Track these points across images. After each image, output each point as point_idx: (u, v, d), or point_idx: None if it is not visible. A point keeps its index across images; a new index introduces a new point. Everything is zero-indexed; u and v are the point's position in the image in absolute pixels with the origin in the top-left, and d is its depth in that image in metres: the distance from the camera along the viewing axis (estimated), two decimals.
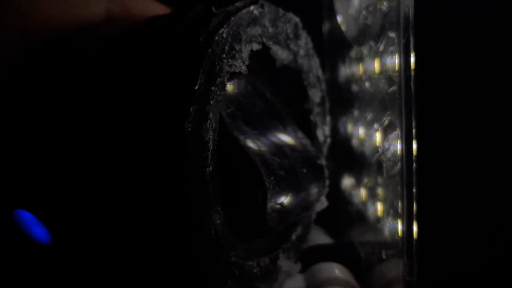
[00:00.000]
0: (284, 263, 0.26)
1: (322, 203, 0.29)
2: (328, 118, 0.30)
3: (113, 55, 0.23)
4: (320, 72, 0.29)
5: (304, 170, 0.25)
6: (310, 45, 0.28)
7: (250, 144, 0.23)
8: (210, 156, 0.20)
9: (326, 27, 0.35)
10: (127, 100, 0.21)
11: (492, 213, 0.23)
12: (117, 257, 0.23)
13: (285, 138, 0.26)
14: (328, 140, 0.30)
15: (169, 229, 0.21)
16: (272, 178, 0.23)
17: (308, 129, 0.29)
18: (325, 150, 0.30)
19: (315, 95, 0.29)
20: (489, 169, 0.23)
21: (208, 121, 0.20)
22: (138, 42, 0.23)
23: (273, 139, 0.25)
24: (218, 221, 0.21)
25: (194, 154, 0.20)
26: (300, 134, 0.27)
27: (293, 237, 0.28)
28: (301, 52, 0.27)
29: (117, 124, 0.21)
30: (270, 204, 0.22)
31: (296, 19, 0.26)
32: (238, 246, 0.23)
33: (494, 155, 0.23)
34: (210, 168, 0.21)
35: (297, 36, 0.26)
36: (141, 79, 0.21)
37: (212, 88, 0.20)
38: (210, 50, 0.20)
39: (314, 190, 0.26)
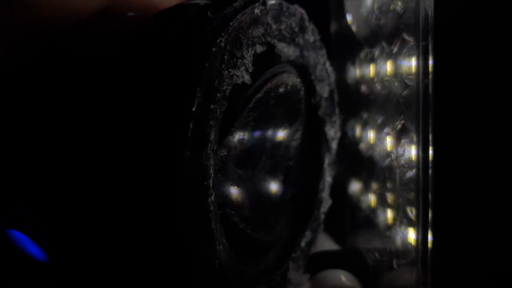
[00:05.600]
0: (293, 276, 0.25)
1: (326, 201, 0.28)
2: (337, 110, 0.28)
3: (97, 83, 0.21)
4: (328, 64, 0.27)
5: (264, 174, 0.25)
6: (317, 37, 0.25)
7: (232, 143, 0.22)
8: (211, 184, 0.18)
9: (334, 27, 0.34)
10: (119, 129, 0.19)
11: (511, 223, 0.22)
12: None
13: (276, 138, 0.25)
14: (338, 134, 0.28)
15: (171, 264, 0.19)
16: (219, 175, 0.21)
17: (316, 125, 0.27)
18: (334, 145, 0.28)
19: (323, 89, 0.27)
20: (510, 178, 0.22)
21: (209, 145, 0.18)
22: (127, 64, 0.20)
23: (262, 138, 0.24)
24: (222, 254, 0.19)
25: (194, 184, 0.18)
26: (298, 135, 0.26)
27: (302, 244, 0.26)
28: (308, 45, 0.25)
29: (112, 159, 0.19)
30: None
31: (302, 11, 0.24)
32: (245, 272, 0.21)
33: None
34: (212, 197, 0.18)
35: (303, 29, 0.24)
36: (132, 104, 0.19)
37: (212, 107, 0.18)
38: (207, 64, 0.18)
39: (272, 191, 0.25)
